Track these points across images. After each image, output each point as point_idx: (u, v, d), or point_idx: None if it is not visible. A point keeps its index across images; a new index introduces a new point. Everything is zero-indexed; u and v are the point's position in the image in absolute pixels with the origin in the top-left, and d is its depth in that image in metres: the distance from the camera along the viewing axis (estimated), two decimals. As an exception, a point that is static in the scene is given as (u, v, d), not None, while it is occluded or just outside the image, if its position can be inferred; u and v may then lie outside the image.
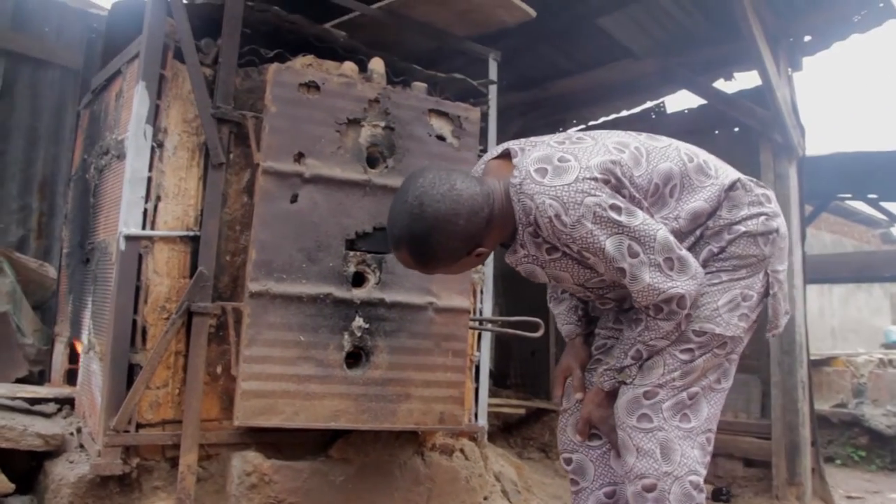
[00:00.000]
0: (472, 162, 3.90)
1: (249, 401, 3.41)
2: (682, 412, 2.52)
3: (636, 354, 2.55)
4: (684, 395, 2.52)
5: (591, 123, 8.42)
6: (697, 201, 2.53)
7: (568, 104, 8.15)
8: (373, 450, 3.89)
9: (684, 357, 2.51)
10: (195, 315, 3.53)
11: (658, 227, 2.38)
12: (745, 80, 12.74)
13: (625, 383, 2.59)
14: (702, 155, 2.63)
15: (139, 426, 3.51)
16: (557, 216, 2.32)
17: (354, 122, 3.68)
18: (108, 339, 3.52)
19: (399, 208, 2.40)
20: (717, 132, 7.33)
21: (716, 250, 2.55)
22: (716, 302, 2.52)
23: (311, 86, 3.61)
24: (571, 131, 2.69)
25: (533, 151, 2.47)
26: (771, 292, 2.60)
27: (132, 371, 3.52)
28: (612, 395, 2.66)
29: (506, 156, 2.58)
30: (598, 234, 2.32)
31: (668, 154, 2.55)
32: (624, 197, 2.37)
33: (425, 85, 4.08)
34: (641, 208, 2.42)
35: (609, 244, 2.33)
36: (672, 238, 2.40)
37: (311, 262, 3.55)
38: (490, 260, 4.58)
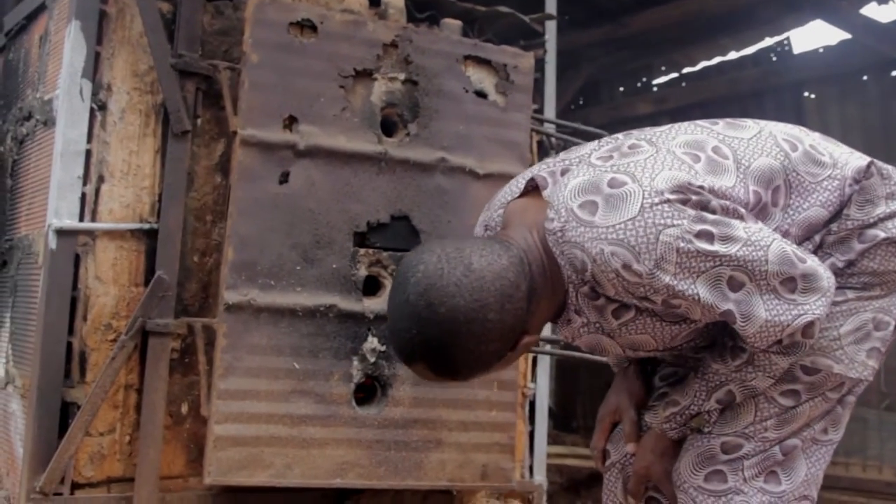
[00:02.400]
0: (522, 126, 3.94)
1: (225, 451, 3.48)
2: (769, 470, 2.47)
3: (725, 397, 2.45)
4: (777, 449, 2.47)
5: (685, 71, 8.43)
6: (812, 207, 2.43)
7: (654, 44, 8.16)
8: (392, 517, 3.95)
9: (785, 402, 2.44)
10: (152, 335, 3.60)
11: (768, 240, 2.26)
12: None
13: (700, 431, 2.53)
14: (806, 139, 2.52)
15: (76, 486, 3.58)
16: (627, 267, 2.20)
17: (364, 75, 3.74)
18: (33, 370, 3.60)
19: (400, 310, 2.27)
20: (865, 77, 7.32)
21: (841, 265, 2.45)
22: (837, 328, 2.42)
23: (306, 25, 3.67)
24: (618, 136, 2.52)
25: (570, 178, 2.34)
26: None
27: (66, 412, 3.59)
28: (679, 445, 2.61)
29: (532, 188, 2.49)
30: (688, 275, 2.22)
31: (761, 146, 2.44)
32: (713, 213, 2.24)
33: (460, 23, 4.11)
34: (738, 218, 2.28)
35: (702, 285, 2.23)
36: (789, 248, 2.28)
37: (307, 262, 3.62)
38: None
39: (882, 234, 2.41)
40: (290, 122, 3.63)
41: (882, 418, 7.32)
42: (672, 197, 2.20)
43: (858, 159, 2.49)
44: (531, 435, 4.59)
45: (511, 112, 3.97)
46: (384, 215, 3.73)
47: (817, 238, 2.45)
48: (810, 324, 2.27)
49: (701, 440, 2.51)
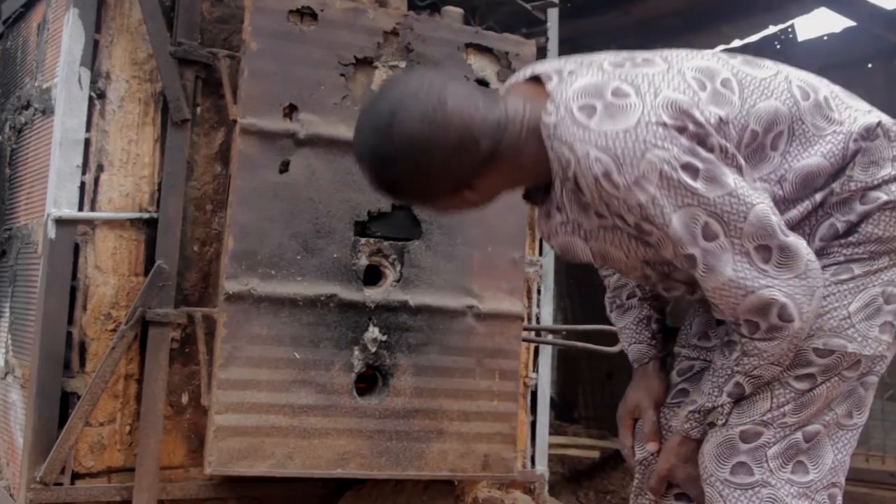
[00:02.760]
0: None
1: (226, 441, 3.49)
2: (795, 460, 2.44)
3: (735, 390, 2.43)
4: (799, 435, 2.44)
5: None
6: (813, 157, 2.39)
7: (657, 32, 8.16)
8: (393, 507, 3.96)
9: (800, 386, 2.41)
10: (152, 325, 3.61)
11: (755, 200, 2.25)
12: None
13: (715, 424, 2.51)
14: (824, 89, 2.49)
15: (76, 477, 3.60)
16: (607, 175, 2.22)
17: (365, 63, 3.74)
18: (32, 360, 3.61)
19: (369, 112, 2.38)
20: (870, 65, 7.32)
21: (841, 227, 2.42)
22: (845, 307, 2.39)
23: (306, 13, 3.67)
24: (638, 52, 2.52)
25: (577, 77, 2.35)
26: None
27: (66, 402, 3.61)
28: (688, 442, 2.59)
29: (537, 81, 2.47)
30: (664, 203, 2.21)
31: (772, 87, 2.41)
32: (710, 150, 2.24)
33: (461, 10, 4.10)
34: (734, 167, 2.28)
35: (677, 219, 2.23)
36: (775, 218, 2.28)
37: (308, 252, 3.62)
38: (550, 251, 4.63)
39: (884, 197, 2.39)
40: (291, 111, 3.63)
41: (885, 408, 7.32)
42: (669, 122, 2.21)
43: (869, 116, 2.45)
44: (533, 425, 4.60)
45: (513, 100, 3.95)
46: (385, 204, 3.73)
47: (818, 197, 2.41)
48: (783, 305, 2.27)
49: (720, 430, 2.48)
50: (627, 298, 2.88)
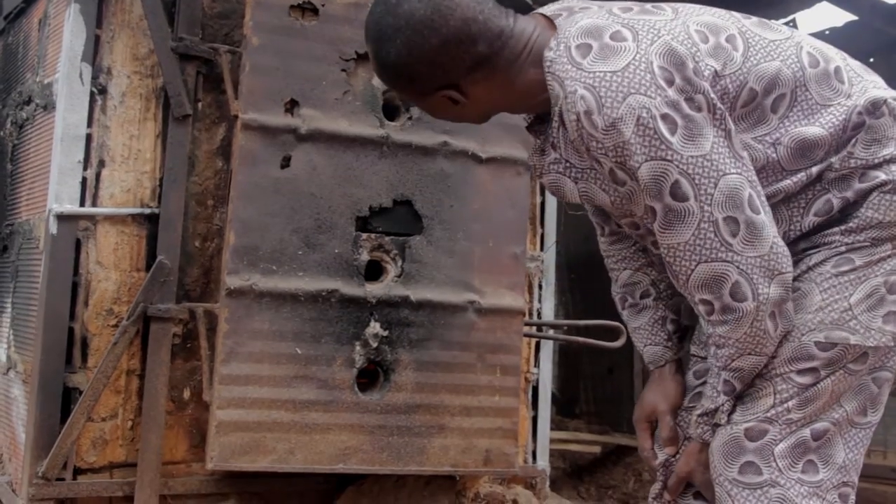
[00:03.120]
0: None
1: (228, 436, 3.50)
2: (805, 459, 2.39)
3: (726, 388, 2.40)
4: (807, 433, 2.39)
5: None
6: (812, 126, 2.34)
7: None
8: (395, 501, 3.97)
9: (803, 380, 2.36)
10: (154, 321, 3.63)
11: (730, 169, 2.22)
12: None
13: (720, 424, 2.46)
14: (836, 59, 2.45)
15: (78, 472, 3.62)
16: (588, 114, 2.20)
17: (366, 58, 3.70)
18: (35, 355, 3.63)
19: None
20: (872, 59, 7.33)
21: (837, 203, 2.37)
22: (846, 299, 2.34)
23: (307, 8, 3.68)
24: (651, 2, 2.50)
25: (582, 17, 2.35)
26: None
27: (68, 397, 3.62)
28: (700, 446, 2.56)
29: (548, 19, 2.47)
30: (636, 150, 2.19)
31: (780, 50, 2.37)
32: (697, 109, 2.21)
33: (462, 3, 4.10)
34: (720, 130, 2.24)
35: (646, 169, 2.21)
36: (749, 191, 2.24)
37: (309, 247, 3.63)
38: (551, 247, 4.64)
39: (883, 177, 2.34)
40: (292, 106, 3.64)
41: (887, 403, 7.31)
42: (658, 70, 2.20)
43: (877, 90, 2.41)
44: (534, 420, 4.60)
45: (514, 95, 3.95)
46: (386, 200, 3.74)
47: (814, 170, 2.36)
48: (736, 283, 2.24)
49: (725, 428, 2.44)
50: (641, 297, 2.83)
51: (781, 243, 2.27)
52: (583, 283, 8.50)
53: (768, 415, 2.38)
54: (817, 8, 7.94)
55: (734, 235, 2.23)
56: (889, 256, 2.37)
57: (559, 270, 5.46)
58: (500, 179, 3.93)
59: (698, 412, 2.50)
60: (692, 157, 2.19)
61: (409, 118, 3.81)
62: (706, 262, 2.24)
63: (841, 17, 7.41)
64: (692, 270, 2.27)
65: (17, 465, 3.74)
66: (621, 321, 3.37)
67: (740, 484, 2.40)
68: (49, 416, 3.56)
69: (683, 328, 2.82)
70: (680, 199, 2.22)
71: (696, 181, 2.20)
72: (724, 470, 2.42)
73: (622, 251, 2.83)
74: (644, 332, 2.80)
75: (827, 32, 7.66)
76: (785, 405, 2.36)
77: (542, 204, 4.73)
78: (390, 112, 3.82)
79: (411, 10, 2.31)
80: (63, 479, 3.55)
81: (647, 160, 2.19)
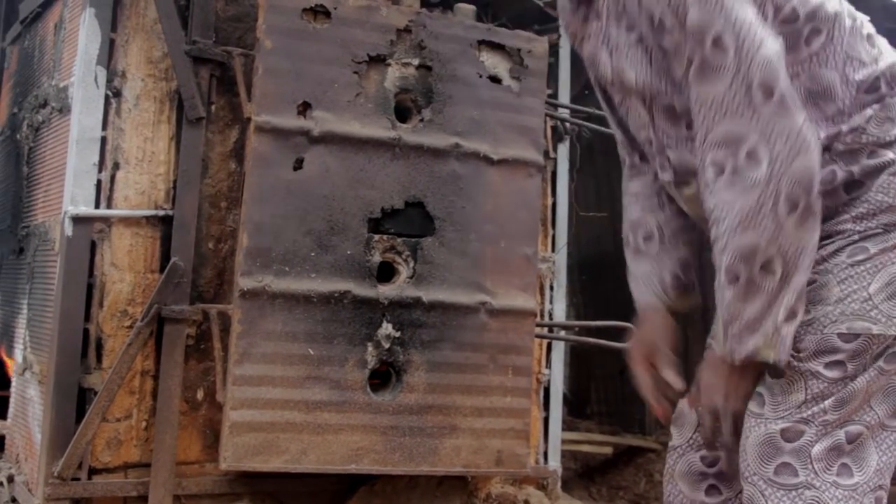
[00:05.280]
0: (536, 111, 3.94)
1: (241, 436, 3.49)
2: (840, 462, 2.33)
3: (726, 277, 2.21)
4: (842, 435, 2.32)
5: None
6: (831, 71, 2.30)
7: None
8: (407, 501, 3.96)
9: (832, 374, 2.28)
10: (168, 322, 3.63)
11: (772, 44, 2.16)
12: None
13: (768, 364, 2.27)
14: (870, 30, 2.39)
15: (93, 472, 3.62)
16: None
17: (378, 61, 3.74)
18: (50, 356, 3.62)
19: None
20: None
21: (841, 176, 2.30)
22: (865, 289, 2.29)
23: (320, 11, 3.67)
24: None
25: None
26: None
27: (83, 398, 3.63)
28: (747, 373, 2.33)
29: None
30: None
31: None
32: None
33: (473, 7, 4.11)
34: (775, 7, 2.21)
35: (695, 15, 2.16)
36: (783, 71, 2.15)
37: (322, 249, 3.62)
38: (562, 248, 4.63)
39: (891, 155, 2.29)
40: (304, 109, 3.63)
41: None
42: None
43: None
44: (546, 421, 4.60)
45: (525, 97, 3.96)
46: (398, 201, 3.73)
47: (821, 133, 2.28)
48: (754, 142, 2.15)
49: (758, 426, 2.33)
50: (644, 241, 2.73)
51: (811, 127, 2.17)
52: (594, 284, 8.49)
53: (804, 415, 2.30)
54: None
55: (766, 101, 2.15)
56: None
57: (570, 271, 5.44)
58: (512, 181, 3.91)
59: (716, 325, 2.32)
60: (740, 17, 2.14)
61: (421, 120, 3.80)
62: (731, 118, 2.16)
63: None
64: (715, 124, 2.18)
65: (32, 464, 3.75)
66: (632, 322, 3.35)
67: (775, 484, 2.33)
68: (64, 417, 3.56)
69: (684, 284, 2.70)
70: (721, 50, 2.15)
71: (740, 39, 2.14)
72: (759, 469, 2.35)
73: (638, 187, 2.76)
74: (641, 280, 2.71)
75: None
76: (820, 405, 2.29)
77: (554, 205, 4.72)
78: (402, 114, 3.81)
79: None
80: (78, 479, 3.56)
81: (699, 8, 2.15)
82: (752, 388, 2.35)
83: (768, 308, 2.21)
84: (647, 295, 2.70)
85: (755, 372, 2.34)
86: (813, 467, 2.29)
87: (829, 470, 2.30)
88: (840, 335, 2.29)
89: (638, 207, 2.75)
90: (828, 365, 2.29)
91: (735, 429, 2.36)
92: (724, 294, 2.22)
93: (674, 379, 2.52)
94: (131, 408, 3.67)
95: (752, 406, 2.36)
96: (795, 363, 2.31)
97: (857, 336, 2.28)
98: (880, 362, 2.29)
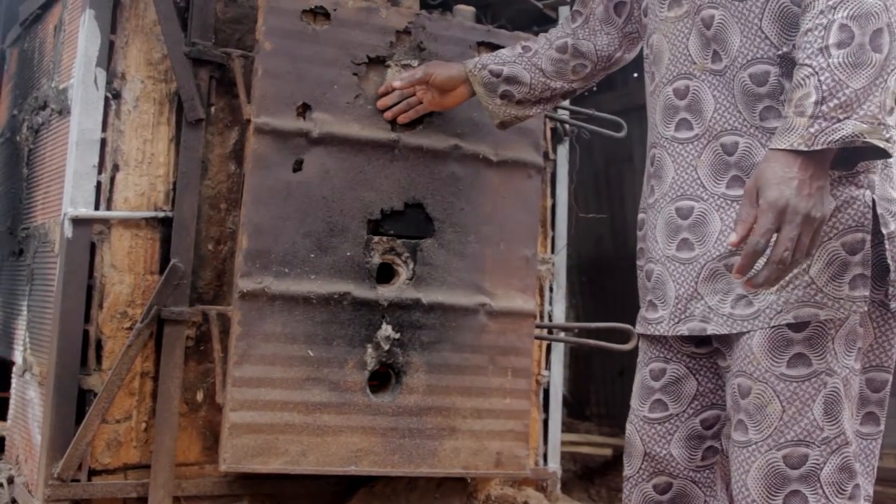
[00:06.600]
0: (536, 114, 3.95)
1: (241, 438, 3.49)
2: (843, 485, 2.22)
3: (842, 34, 1.99)
4: (848, 453, 2.22)
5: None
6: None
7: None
8: (406, 503, 3.97)
9: (796, 372, 2.17)
10: (167, 323, 3.63)
11: None
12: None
13: (856, 155, 2.10)
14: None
15: (93, 473, 3.62)
16: None
17: (378, 62, 3.73)
18: (50, 357, 3.63)
19: None
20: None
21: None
22: (805, 273, 2.15)
23: (319, 13, 3.67)
24: None
25: None
26: (885, 231, 2.19)
27: (83, 399, 3.63)
28: (825, 167, 2.02)
29: None
30: None
31: None
32: None
33: (473, 9, 4.12)
34: None
35: None
36: None
37: (321, 251, 3.62)
38: (562, 250, 4.63)
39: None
40: (304, 110, 3.63)
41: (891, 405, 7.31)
42: None
43: None
44: (545, 423, 4.61)
45: (525, 99, 3.95)
46: (398, 203, 3.73)
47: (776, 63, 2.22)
48: (881, 27, 1.97)
49: (756, 456, 2.22)
50: (524, 50, 3.07)
51: None
52: (594, 285, 8.49)
53: (803, 438, 2.18)
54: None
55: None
56: (838, 211, 2.17)
57: (570, 273, 5.45)
58: (512, 182, 3.91)
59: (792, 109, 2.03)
60: None
61: (421, 122, 3.80)
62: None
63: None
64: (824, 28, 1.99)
65: (32, 466, 3.75)
66: (632, 323, 3.30)
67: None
68: (64, 418, 3.57)
69: (519, 100, 3.09)
70: None
71: None
72: (766, 502, 2.21)
73: (561, 44, 3.02)
74: (494, 56, 3.12)
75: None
76: (813, 419, 2.19)
77: (553, 207, 4.73)
78: (402, 116, 3.81)
79: None
80: (78, 481, 3.56)
81: None
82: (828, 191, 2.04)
83: (873, 86, 1.98)
84: (473, 65, 3.08)
85: (827, 174, 2.04)
86: (824, 492, 2.18)
87: (841, 496, 2.20)
88: (789, 325, 2.18)
89: (552, 50, 3.03)
90: (789, 362, 2.19)
91: (814, 239, 2.01)
92: (818, 61, 2.00)
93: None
94: (131, 409, 3.67)
95: (737, 436, 2.27)
96: (756, 371, 2.21)
97: (806, 324, 2.18)
98: (842, 359, 2.20)
